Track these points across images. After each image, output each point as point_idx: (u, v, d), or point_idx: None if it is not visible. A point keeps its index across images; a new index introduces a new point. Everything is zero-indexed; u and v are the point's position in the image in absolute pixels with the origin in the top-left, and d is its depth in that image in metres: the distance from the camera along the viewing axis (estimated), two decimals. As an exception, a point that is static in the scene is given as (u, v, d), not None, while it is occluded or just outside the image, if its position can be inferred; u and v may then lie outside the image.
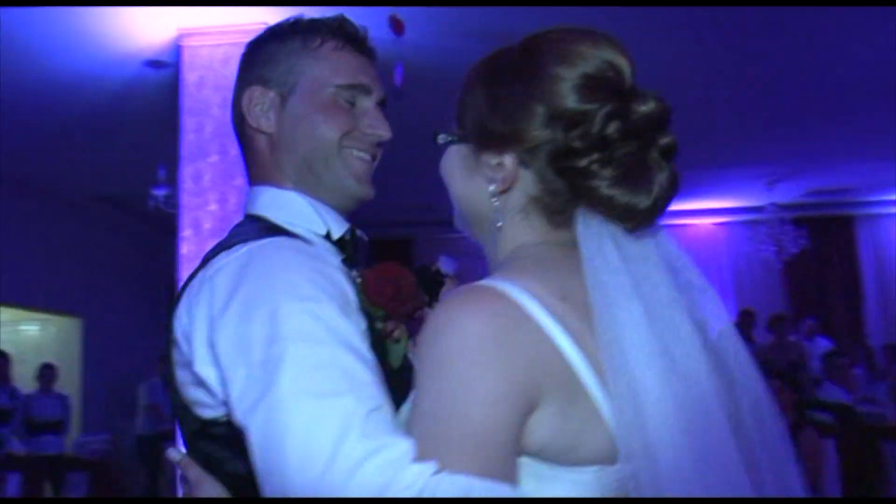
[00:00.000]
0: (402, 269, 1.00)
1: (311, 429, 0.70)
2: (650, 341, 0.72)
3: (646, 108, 0.77)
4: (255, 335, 0.79)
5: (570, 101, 0.77)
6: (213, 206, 4.13)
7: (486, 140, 0.82)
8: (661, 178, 0.77)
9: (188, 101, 4.55)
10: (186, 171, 4.46)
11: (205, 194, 4.30)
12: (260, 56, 1.07)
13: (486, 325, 0.70)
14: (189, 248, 4.28)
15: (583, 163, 0.76)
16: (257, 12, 4.01)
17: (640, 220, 0.77)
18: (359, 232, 1.08)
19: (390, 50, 3.62)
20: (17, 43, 4.39)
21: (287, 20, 1.07)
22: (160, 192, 5.70)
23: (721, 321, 0.80)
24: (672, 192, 0.78)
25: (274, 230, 0.97)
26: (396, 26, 3.80)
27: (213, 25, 4.60)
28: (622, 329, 0.72)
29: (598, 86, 0.77)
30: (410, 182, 6.41)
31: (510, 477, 0.69)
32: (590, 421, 0.72)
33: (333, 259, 0.94)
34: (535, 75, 0.78)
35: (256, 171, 1.08)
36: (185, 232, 4.35)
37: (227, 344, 0.82)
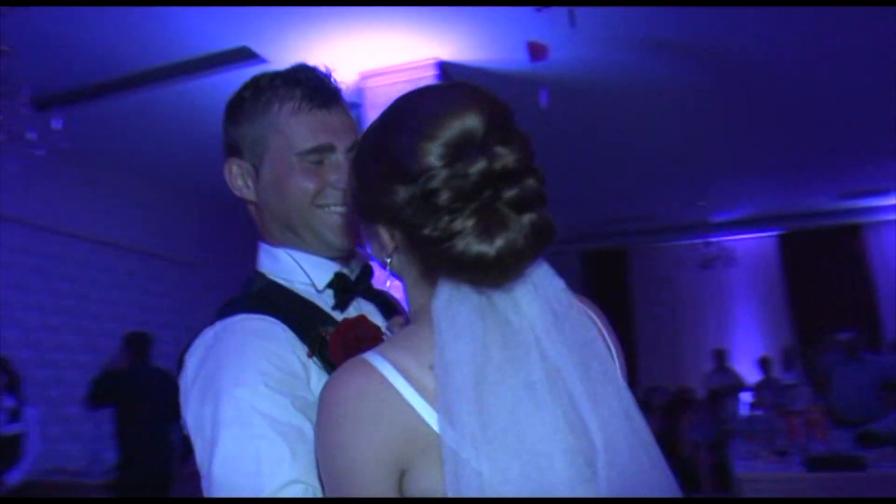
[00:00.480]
0: (363, 321, 1.05)
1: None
2: (470, 409, 0.73)
3: (475, 167, 0.76)
4: (205, 416, 0.91)
5: (406, 171, 0.78)
6: None
7: (362, 212, 0.88)
8: (513, 229, 0.76)
9: (371, 138, 4.66)
10: None
11: None
12: (232, 125, 1.11)
13: (356, 399, 0.76)
14: None
15: (426, 231, 0.77)
16: (428, 48, 4.74)
17: (495, 272, 0.77)
18: (355, 264, 1.16)
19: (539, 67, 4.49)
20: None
21: (246, 83, 1.12)
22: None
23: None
24: (533, 239, 0.78)
25: (267, 290, 1.07)
26: (537, 52, 4.02)
27: (388, 66, 4.65)
28: (451, 398, 0.74)
29: (424, 157, 0.77)
30: (622, 192, 6.85)
31: None
32: None
33: (284, 335, 0.97)
34: (384, 151, 0.82)
35: (258, 230, 1.15)
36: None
37: (190, 419, 0.94)
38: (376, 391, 0.77)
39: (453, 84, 0.86)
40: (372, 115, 4.61)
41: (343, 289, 1.11)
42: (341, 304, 1.11)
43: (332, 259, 1.12)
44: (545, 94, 4.29)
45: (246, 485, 0.86)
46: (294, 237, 1.10)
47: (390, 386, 0.77)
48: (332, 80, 1.15)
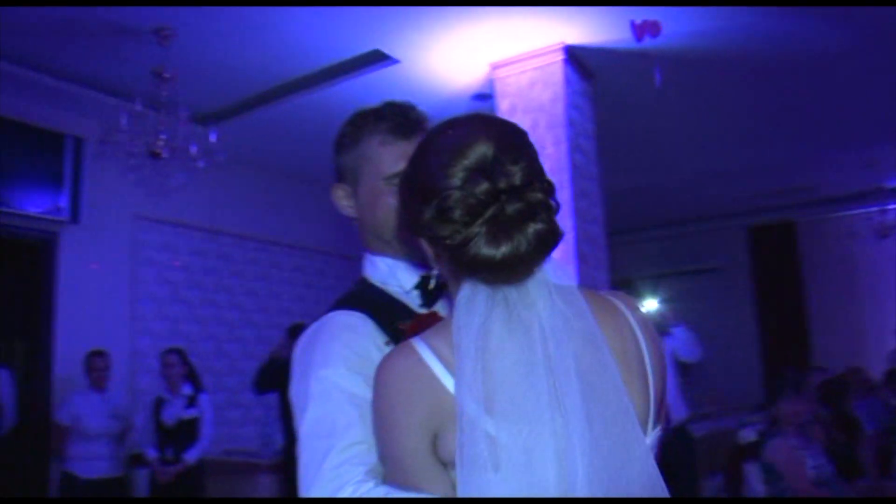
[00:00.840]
0: (433, 316, 1.20)
1: (305, 461, 1.04)
2: (476, 382, 0.89)
3: (481, 188, 0.90)
4: (300, 391, 1.12)
5: (430, 193, 0.94)
6: None
7: (408, 228, 1.05)
8: (517, 237, 0.90)
9: (502, 127, 4.72)
10: None
11: None
12: (337, 155, 1.34)
13: (398, 375, 0.94)
14: None
15: (447, 241, 0.92)
16: (555, 34, 4.68)
17: (503, 272, 0.92)
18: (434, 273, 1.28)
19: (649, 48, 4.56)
20: (384, 93, 4.26)
21: (348, 119, 1.33)
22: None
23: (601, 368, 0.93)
24: (537, 244, 0.91)
25: (365, 291, 1.29)
26: (644, 30, 4.21)
27: (517, 55, 4.68)
28: (461, 374, 0.90)
29: (444, 180, 0.93)
30: (787, 164, 6.84)
31: (429, 484, 0.92)
32: None
33: (366, 327, 1.16)
34: (416, 177, 0.99)
35: (362, 242, 1.35)
36: None
37: (292, 394, 1.16)
38: (414, 369, 0.94)
39: (472, 116, 1.01)
40: (503, 105, 4.71)
41: (427, 289, 1.27)
42: (427, 303, 1.26)
43: (420, 265, 1.27)
44: (658, 73, 4.46)
45: (322, 443, 1.03)
46: (386, 247, 1.28)
47: (426, 365, 0.94)
48: (415, 113, 1.32)
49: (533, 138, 3.36)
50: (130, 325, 5.70)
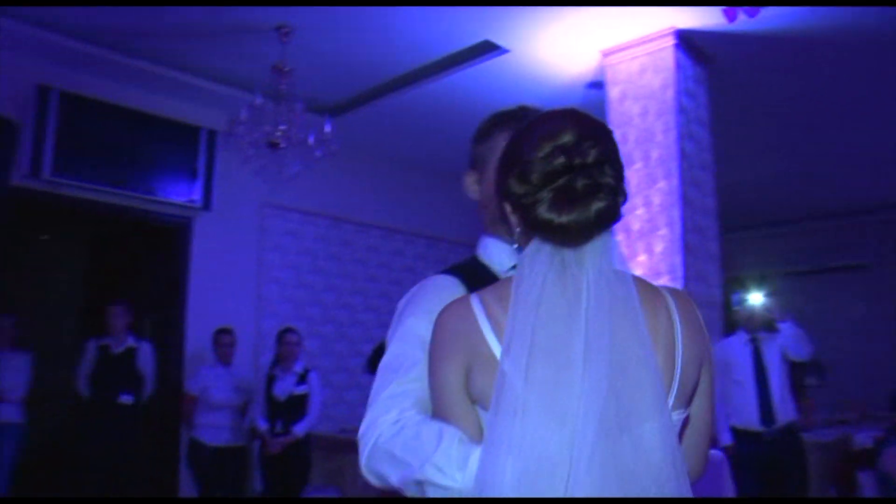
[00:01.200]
0: None
1: (373, 390, 1.26)
2: (524, 332, 1.04)
3: (558, 161, 1.05)
4: (390, 336, 1.33)
5: (519, 163, 1.10)
6: (640, 211, 4.47)
7: (499, 196, 1.17)
8: (579, 206, 1.04)
9: (613, 114, 4.62)
10: None
11: (632, 199, 4.58)
12: (473, 145, 1.52)
13: (449, 320, 1.14)
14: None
15: (523, 200, 1.08)
16: (665, 18, 4.53)
17: (562, 235, 1.06)
18: None
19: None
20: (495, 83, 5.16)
21: (486, 116, 1.52)
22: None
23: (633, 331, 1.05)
24: (595, 217, 1.05)
25: (469, 263, 1.46)
26: (737, 13, 4.07)
27: (628, 41, 4.60)
28: (512, 330, 1.05)
29: (532, 154, 1.08)
30: None
31: (458, 419, 1.10)
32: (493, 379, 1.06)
33: (458, 289, 1.32)
34: (512, 155, 1.13)
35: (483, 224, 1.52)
36: (617, 236, 5.07)
37: (387, 339, 1.35)
38: (463, 315, 1.12)
39: (567, 110, 1.15)
40: (613, 92, 4.64)
41: None
42: None
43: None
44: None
45: (388, 377, 1.23)
46: (500, 230, 1.41)
47: (472, 312, 1.11)
48: None
49: (642, 126, 4.12)
50: (256, 306, 6.07)
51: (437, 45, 4.79)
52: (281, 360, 5.14)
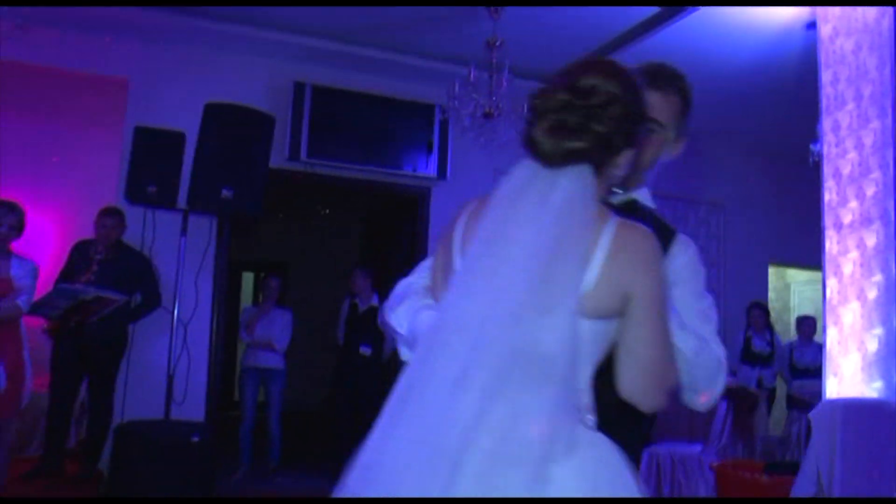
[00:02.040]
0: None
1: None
2: (470, 221, 1.31)
3: (559, 96, 1.23)
4: None
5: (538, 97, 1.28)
6: (851, 154, 4.17)
7: None
8: (561, 139, 1.22)
9: (824, 54, 4.32)
10: (826, 123, 4.54)
11: (842, 143, 4.30)
12: None
13: (451, 220, 1.37)
14: (830, 197, 4.28)
15: (530, 120, 1.26)
16: None
17: (540, 154, 1.23)
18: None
19: None
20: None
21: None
22: (816, 147, 4.79)
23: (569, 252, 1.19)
24: (567, 153, 1.22)
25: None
26: None
27: None
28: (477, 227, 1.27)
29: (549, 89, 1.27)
30: None
31: (436, 297, 1.37)
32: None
33: None
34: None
35: None
36: (828, 182, 4.34)
37: None
38: (458, 215, 1.35)
39: (604, 61, 1.32)
40: (825, 30, 4.33)
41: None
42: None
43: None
44: None
45: (419, 268, 1.58)
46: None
47: (456, 221, 1.34)
48: (665, 69, 1.64)
49: (855, 63, 4.11)
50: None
51: (641, 6, 4.79)
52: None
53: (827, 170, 4.27)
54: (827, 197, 4.24)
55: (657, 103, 1.57)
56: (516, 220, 1.21)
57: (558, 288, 1.16)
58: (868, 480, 2.82)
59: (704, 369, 1.45)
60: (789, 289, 9.82)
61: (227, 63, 5.68)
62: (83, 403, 5.19)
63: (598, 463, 1.17)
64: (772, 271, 8.42)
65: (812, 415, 3.35)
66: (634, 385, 1.26)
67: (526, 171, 1.26)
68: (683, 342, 1.40)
